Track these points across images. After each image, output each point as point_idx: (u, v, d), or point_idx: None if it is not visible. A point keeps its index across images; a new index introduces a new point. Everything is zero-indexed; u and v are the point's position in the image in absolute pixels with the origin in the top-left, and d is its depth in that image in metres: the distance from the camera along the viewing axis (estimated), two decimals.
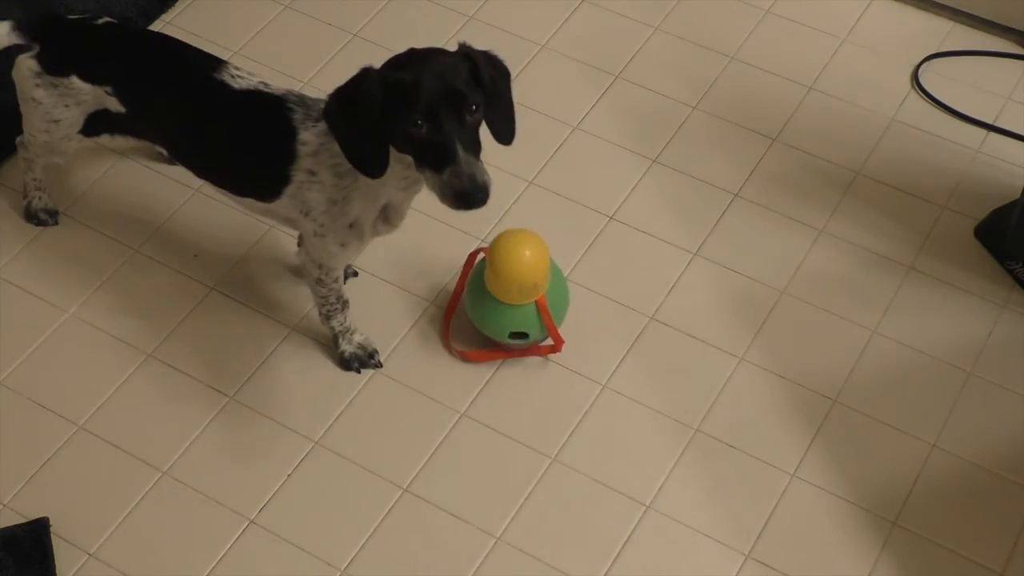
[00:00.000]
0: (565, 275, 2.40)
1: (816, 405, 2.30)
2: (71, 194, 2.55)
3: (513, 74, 2.88)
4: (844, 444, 2.25)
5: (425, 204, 2.58)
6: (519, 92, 2.81)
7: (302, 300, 2.41)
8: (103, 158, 2.60)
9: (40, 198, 2.48)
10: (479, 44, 2.87)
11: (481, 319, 2.31)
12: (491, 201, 2.55)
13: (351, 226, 2.04)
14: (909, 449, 2.25)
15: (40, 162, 2.40)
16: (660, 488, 2.19)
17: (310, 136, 2.00)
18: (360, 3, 2.91)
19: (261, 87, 2.07)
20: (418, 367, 2.33)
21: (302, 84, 2.73)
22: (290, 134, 2.00)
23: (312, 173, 2.00)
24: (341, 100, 1.89)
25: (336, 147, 1.95)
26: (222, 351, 2.34)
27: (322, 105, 1.97)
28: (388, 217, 2.09)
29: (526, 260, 2.21)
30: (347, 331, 2.29)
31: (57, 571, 2.06)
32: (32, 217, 2.49)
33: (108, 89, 2.16)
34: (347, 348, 2.30)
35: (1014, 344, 2.39)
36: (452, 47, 2.84)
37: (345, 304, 2.25)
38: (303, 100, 2.04)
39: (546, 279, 2.25)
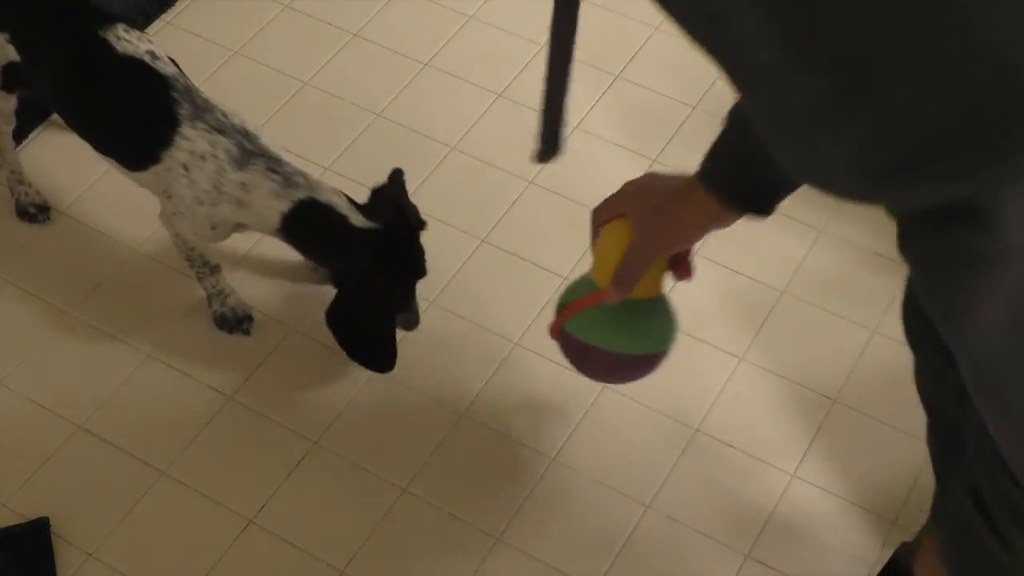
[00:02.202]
0: (565, 275, 2.39)
1: (816, 405, 2.30)
2: (71, 194, 2.55)
3: (513, 74, 2.91)
4: (844, 444, 2.25)
5: (425, 204, 2.58)
6: (520, 91, 2.83)
7: (302, 300, 2.41)
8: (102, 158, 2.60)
9: (26, 193, 2.47)
10: (479, 44, 2.89)
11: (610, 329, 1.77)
12: (491, 201, 2.59)
13: (213, 228, 2.08)
14: (909, 449, 2.25)
15: (3, 145, 2.40)
16: (660, 488, 2.19)
17: (196, 135, 2.02)
18: (360, 3, 2.91)
19: (147, 58, 2.07)
20: (418, 367, 2.33)
21: (302, 84, 2.73)
22: (171, 122, 2.01)
23: (186, 168, 2.02)
24: (346, 316, 2.09)
25: (223, 165, 2.00)
26: (222, 351, 2.34)
27: (213, 116, 2.03)
28: None
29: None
30: (220, 293, 2.32)
31: (57, 571, 2.06)
32: (23, 213, 2.49)
33: (5, 35, 2.15)
34: (218, 308, 2.34)
35: None
36: (451, 46, 2.86)
37: (214, 269, 2.28)
38: (191, 94, 2.06)
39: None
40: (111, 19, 2.11)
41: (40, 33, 2.14)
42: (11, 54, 2.17)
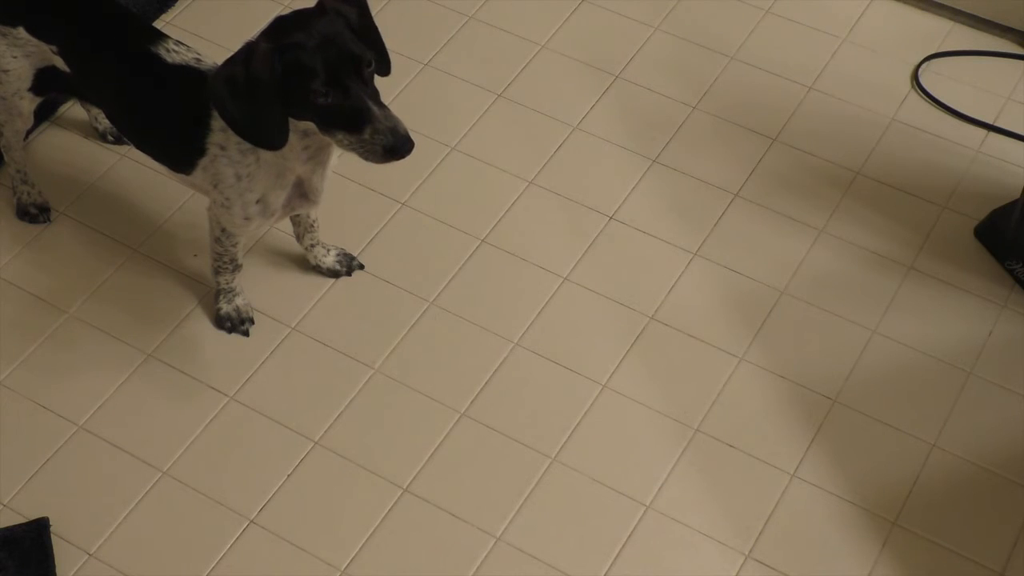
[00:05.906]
0: (565, 275, 2.40)
1: (816, 405, 2.30)
2: (71, 194, 2.55)
3: (513, 74, 2.91)
4: (844, 444, 2.25)
5: (426, 203, 2.58)
6: (520, 92, 2.83)
7: (301, 300, 2.41)
8: (103, 158, 2.61)
9: (28, 192, 2.48)
10: (479, 44, 2.89)
11: None
12: (491, 201, 2.59)
13: (258, 201, 2.09)
14: (909, 449, 2.25)
15: (14, 143, 2.41)
16: (660, 488, 2.19)
17: None
18: None
19: (193, 63, 2.10)
20: (417, 367, 2.33)
21: None
22: (206, 107, 2.03)
23: (222, 147, 2.05)
24: (231, 80, 1.88)
25: None
26: (222, 351, 2.34)
27: None
28: (304, 193, 2.13)
29: None
30: (230, 291, 2.34)
31: (57, 571, 2.06)
32: (24, 214, 2.49)
33: (53, 48, 2.17)
34: (224, 307, 2.35)
35: (1014, 344, 2.39)
36: (452, 46, 2.86)
37: (237, 267, 2.30)
38: None
39: None
40: (161, 35, 2.14)
41: (93, 52, 2.16)
42: (57, 63, 2.20)
